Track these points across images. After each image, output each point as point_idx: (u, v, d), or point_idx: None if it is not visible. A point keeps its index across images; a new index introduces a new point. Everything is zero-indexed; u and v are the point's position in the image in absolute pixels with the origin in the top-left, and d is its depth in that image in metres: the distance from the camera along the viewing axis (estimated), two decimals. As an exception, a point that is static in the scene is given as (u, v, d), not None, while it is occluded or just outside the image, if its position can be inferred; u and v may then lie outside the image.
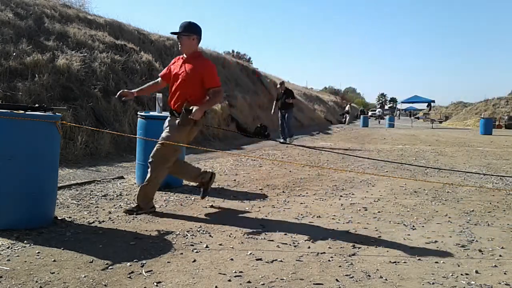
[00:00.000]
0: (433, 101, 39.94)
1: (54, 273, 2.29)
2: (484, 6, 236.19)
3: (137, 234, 3.04)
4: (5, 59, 6.79)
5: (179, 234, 3.08)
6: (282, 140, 11.19)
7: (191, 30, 3.57)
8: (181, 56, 3.73)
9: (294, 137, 12.02)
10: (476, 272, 2.54)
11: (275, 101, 11.69)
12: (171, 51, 12.95)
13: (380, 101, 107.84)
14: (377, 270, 2.52)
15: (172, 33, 3.63)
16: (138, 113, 4.87)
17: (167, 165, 3.56)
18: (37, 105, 3.21)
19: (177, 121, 3.52)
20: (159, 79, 3.89)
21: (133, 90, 3.85)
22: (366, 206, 4.18)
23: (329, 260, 2.65)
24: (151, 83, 4.01)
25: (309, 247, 2.90)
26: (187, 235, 3.07)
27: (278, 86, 11.74)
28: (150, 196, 3.62)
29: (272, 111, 11.75)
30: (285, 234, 3.18)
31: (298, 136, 14.79)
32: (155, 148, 3.55)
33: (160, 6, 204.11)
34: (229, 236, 3.09)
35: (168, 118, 3.72)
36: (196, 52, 3.65)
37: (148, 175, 3.57)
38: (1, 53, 6.86)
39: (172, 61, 3.82)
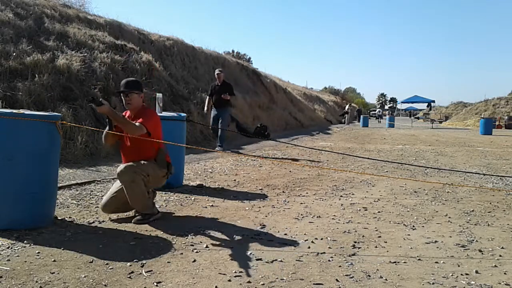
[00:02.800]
0: (433, 101, 40.09)
1: (54, 273, 2.29)
2: (484, 6, 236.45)
3: (137, 234, 3.04)
4: (5, 59, 6.78)
5: (179, 234, 3.08)
6: (218, 147, 8.33)
7: (140, 87, 3.49)
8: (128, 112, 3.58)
9: (224, 148, 8.54)
10: (476, 272, 2.54)
11: (208, 96, 9.00)
12: (171, 51, 12.94)
13: (380, 101, 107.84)
14: (377, 270, 2.52)
15: (120, 91, 3.45)
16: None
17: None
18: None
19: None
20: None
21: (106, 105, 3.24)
22: (366, 206, 4.18)
23: (329, 260, 2.65)
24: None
25: (309, 247, 2.90)
26: (187, 235, 3.07)
27: (216, 74, 8.84)
28: (152, 202, 3.51)
29: (205, 109, 9.02)
30: (285, 234, 3.18)
31: (298, 136, 14.75)
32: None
33: (160, 6, 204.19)
34: (229, 236, 3.09)
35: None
36: (143, 105, 3.56)
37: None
38: (1, 53, 6.86)
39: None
